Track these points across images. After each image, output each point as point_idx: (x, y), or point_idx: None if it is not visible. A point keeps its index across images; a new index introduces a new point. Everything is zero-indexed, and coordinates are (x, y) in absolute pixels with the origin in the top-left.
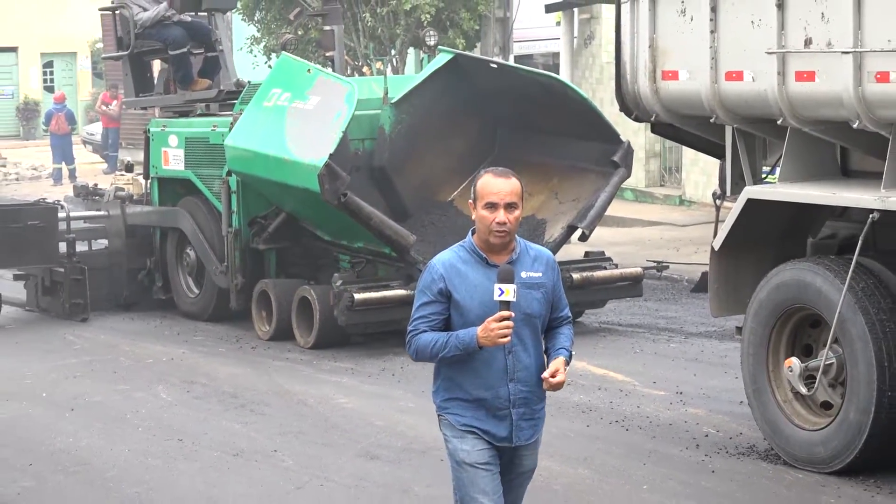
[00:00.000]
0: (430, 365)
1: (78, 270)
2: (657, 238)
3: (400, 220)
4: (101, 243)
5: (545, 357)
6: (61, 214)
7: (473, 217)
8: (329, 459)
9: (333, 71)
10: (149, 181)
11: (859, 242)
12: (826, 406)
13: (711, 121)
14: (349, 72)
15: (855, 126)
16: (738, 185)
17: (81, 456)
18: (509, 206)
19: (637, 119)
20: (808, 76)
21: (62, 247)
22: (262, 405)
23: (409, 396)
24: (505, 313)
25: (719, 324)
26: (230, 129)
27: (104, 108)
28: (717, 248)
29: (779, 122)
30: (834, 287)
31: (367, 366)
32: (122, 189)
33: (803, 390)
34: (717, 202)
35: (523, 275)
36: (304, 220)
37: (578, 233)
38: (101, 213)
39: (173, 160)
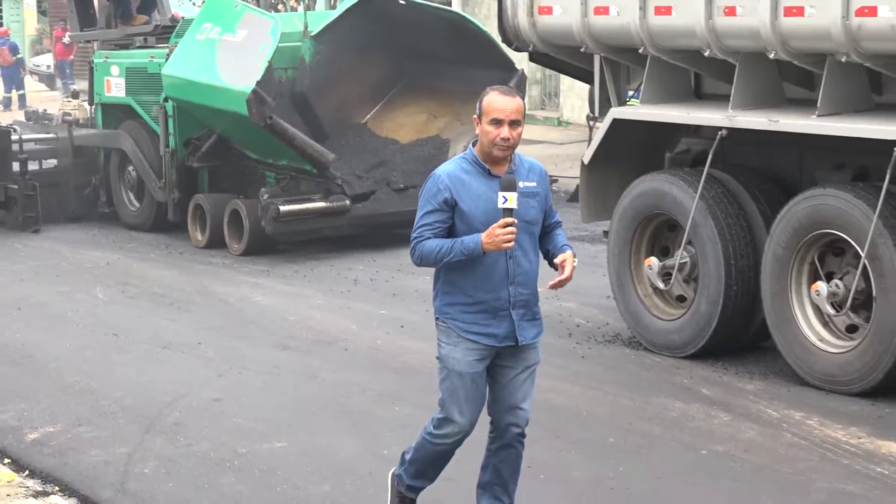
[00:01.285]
0: (338, 266)
1: (30, 187)
2: (539, 155)
3: (319, 140)
4: (51, 163)
5: (549, 256)
6: (14, 137)
7: (477, 131)
8: (247, 350)
9: (259, 7)
10: (93, 107)
11: (710, 156)
12: (681, 299)
13: (581, 50)
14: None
15: (706, 54)
16: (605, 107)
17: (27, 350)
18: (513, 123)
19: (517, 49)
20: (666, 10)
21: (16, 166)
22: (188, 303)
23: (319, 295)
24: (509, 220)
25: (590, 228)
26: (166, 60)
27: (64, 41)
28: (586, 163)
29: (640, 51)
30: (688, 195)
31: (281, 268)
32: (70, 114)
33: (661, 285)
34: (590, 123)
35: (521, 184)
36: (234, 140)
37: None
38: (51, 135)
39: (115, 88)
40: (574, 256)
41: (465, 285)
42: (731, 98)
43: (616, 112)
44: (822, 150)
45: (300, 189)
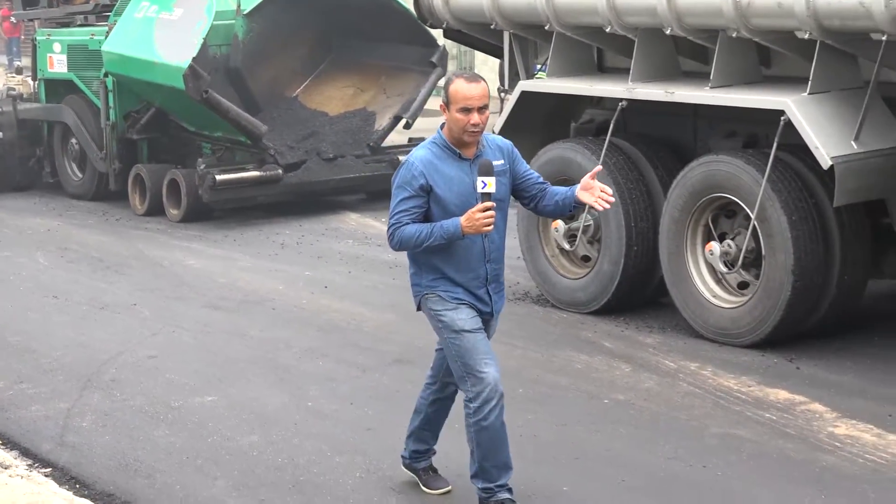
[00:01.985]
0: (267, 231)
1: None
2: None
3: (252, 113)
4: None
5: (563, 204)
6: None
7: (445, 117)
8: (180, 310)
9: None
10: (37, 82)
11: (611, 126)
12: (585, 259)
13: (491, 27)
14: None
15: (608, 30)
16: (515, 80)
17: None
18: (481, 109)
19: (431, 26)
20: None
21: None
22: (125, 267)
23: (247, 258)
24: (488, 204)
25: None
26: (106, 37)
27: (11, 20)
28: (497, 132)
29: (546, 28)
30: (591, 162)
31: (213, 233)
32: (14, 89)
33: (567, 247)
34: (501, 95)
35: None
36: (172, 113)
37: (403, 122)
38: None
39: (57, 64)
40: None
41: (445, 267)
42: (631, 71)
43: (524, 85)
44: (715, 119)
45: (235, 159)
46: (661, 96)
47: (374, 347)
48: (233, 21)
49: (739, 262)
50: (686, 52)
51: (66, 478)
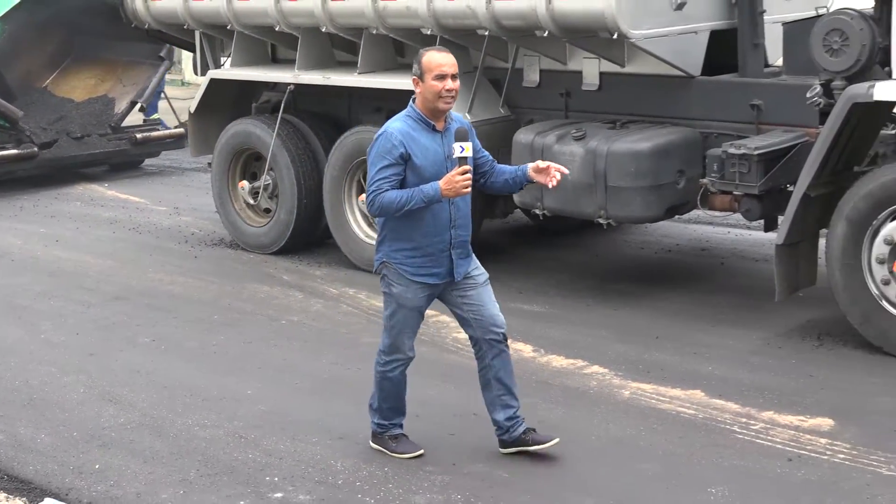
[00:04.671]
0: (9, 196)
1: None
2: (166, 107)
3: (9, 100)
4: None
5: (514, 182)
6: None
7: (418, 90)
8: None
9: None
10: None
11: (282, 105)
12: (267, 211)
13: (185, 28)
14: None
15: (277, 29)
16: (205, 70)
17: None
18: (454, 77)
19: (136, 28)
20: None
21: None
22: None
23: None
24: (466, 167)
25: (201, 161)
26: None
27: None
28: (192, 112)
29: (228, 28)
30: (268, 134)
31: None
32: None
33: (251, 201)
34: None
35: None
36: None
37: (138, 106)
38: None
39: None
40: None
41: (411, 232)
42: (297, 61)
43: (212, 73)
44: (364, 98)
45: None
46: (320, 81)
47: (96, 288)
48: None
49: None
50: (340, 45)
51: None
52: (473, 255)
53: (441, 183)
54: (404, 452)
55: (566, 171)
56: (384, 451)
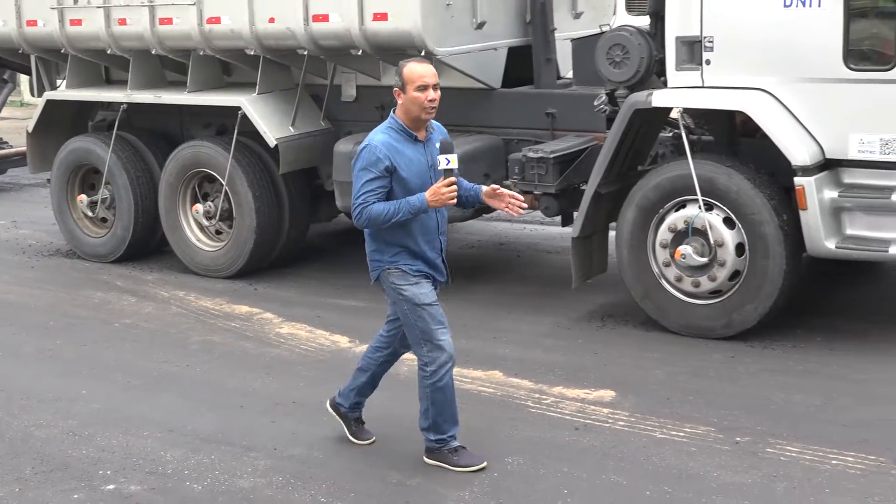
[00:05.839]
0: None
1: None
2: (8, 127)
3: None
4: None
5: (467, 200)
6: None
7: (400, 101)
8: None
9: None
10: None
11: (117, 123)
12: (104, 220)
13: (20, 52)
14: None
15: (109, 52)
16: (42, 91)
17: None
18: (435, 87)
19: None
20: (77, 22)
21: None
22: None
23: None
24: (452, 179)
25: (41, 177)
26: None
27: None
28: (30, 131)
29: (63, 51)
30: (105, 150)
31: None
32: None
33: (90, 213)
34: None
35: (437, 145)
36: None
37: None
38: None
39: None
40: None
41: (406, 241)
42: (129, 82)
43: (48, 94)
44: (194, 115)
45: None
46: (151, 99)
47: None
48: None
49: (217, 216)
50: (170, 66)
51: None
52: None
53: (427, 194)
54: (468, 465)
55: (523, 201)
56: (445, 467)
